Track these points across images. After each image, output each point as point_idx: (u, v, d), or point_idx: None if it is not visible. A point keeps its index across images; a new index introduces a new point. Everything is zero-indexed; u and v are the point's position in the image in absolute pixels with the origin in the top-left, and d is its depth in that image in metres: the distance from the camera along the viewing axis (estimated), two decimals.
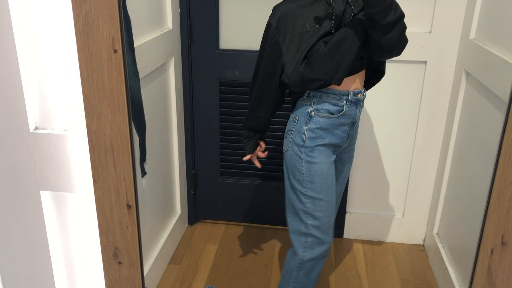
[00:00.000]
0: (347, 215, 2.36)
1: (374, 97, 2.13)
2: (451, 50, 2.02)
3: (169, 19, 2.03)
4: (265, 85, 1.49)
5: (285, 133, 1.55)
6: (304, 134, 1.48)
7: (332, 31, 1.39)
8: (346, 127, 1.51)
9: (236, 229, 2.47)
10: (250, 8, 2.12)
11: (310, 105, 1.48)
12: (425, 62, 2.06)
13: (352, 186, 2.30)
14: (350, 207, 2.35)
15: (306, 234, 1.52)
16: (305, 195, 1.49)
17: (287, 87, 1.50)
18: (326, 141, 1.49)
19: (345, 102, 1.47)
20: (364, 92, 1.54)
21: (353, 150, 1.66)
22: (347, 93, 1.47)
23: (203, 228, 2.48)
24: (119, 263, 0.94)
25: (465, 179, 1.90)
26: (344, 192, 2.30)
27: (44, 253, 1.02)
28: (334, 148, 1.52)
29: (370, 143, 2.22)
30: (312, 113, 1.47)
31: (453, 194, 2.02)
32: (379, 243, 2.37)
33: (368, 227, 2.37)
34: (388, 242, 2.37)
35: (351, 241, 2.38)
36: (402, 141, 2.20)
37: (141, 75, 1.66)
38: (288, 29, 1.40)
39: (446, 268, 1.97)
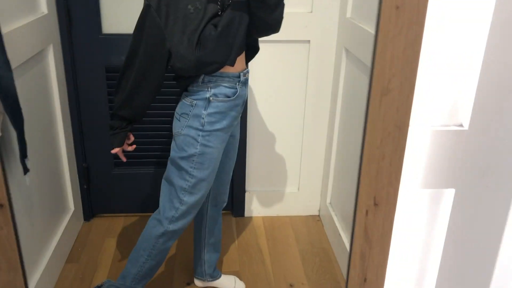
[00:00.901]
0: (246, 194, 2.41)
1: (263, 76, 2.18)
2: (331, 29, 2.12)
3: (43, 2, 1.88)
4: (146, 71, 1.43)
5: (178, 115, 1.52)
6: (203, 119, 1.48)
7: (219, 13, 1.39)
8: (239, 107, 1.56)
9: (135, 221, 2.41)
10: None
11: (208, 90, 1.47)
12: (308, 41, 2.14)
13: (249, 165, 2.35)
14: (249, 185, 2.40)
15: (178, 209, 1.55)
16: (191, 174, 1.51)
17: (177, 72, 1.47)
18: (224, 124, 1.51)
19: (238, 84, 1.51)
20: (248, 71, 1.58)
21: (239, 123, 1.70)
22: (238, 75, 1.50)
23: (100, 223, 2.38)
24: None
25: (350, 150, 2.03)
26: (242, 172, 2.34)
27: None
28: (228, 129, 1.55)
29: (263, 123, 2.28)
30: (210, 98, 1.47)
31: (341, 165, 2.15)
32: (278, 217, 2.45)
33: (267, 203, 2.44)
34: (286, 216, 2.46)
35: (252, 219, 2.44)
36: (292, 119, 2.28)
37: (14, 64, 1.53)
38: (170, 11, 1.37)
39: (340, 234, 2.11)
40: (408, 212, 0.98)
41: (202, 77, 1.47)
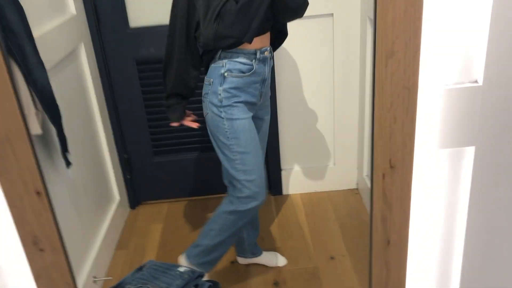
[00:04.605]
0: (282, 172, 2.44)
1: (289, 53, 2.18)
2: (354, 0, 2.09)
3: (71, 4, 1.97)
4: (186, 45, 1.52)
5: (202, 97, 1.59)
6: (220, 94, 1.53)
7: None
8: (257, 85, 1.58)
9: (179, 206, 2.50)
10: None
11: (223, 66, 1.52)
12: (332, 15, 2.12)
13: (282, 143, 2.37)
14: (284, 164, 2.43)
15: (241, 191, 1.59)
16: (232, 151, 1.56)
17: (200, 47, 1.54)
18: (242, 98, 1.55)
19: (254, 60, 1.54)
20: (271, 49, 1.60)
21: (267, 107, 1.72)
22: (255, 52, 1.53)
23: (146, 210, 2.49)
24: (41, 250, 0.95)
25: None
26: (276, 150, 2.37)
27: None
28: (250, 106, 1.59)
29: (292, 100, 2.29)
30: (225, 74, 1.52)
31: None
32: (316, 193, 2.47)
33: (303, 180, 2.46)
34: (324, 192, 2.47)
35: (290, 197, 2.47)
36: (322, 93, 2.28)
37: (48, 65, 1.62)
38: None
39: None
40: (429, 173, 0.98)
41: (219, 52, 1.52)
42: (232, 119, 1.54)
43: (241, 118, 1.55)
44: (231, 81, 1.53)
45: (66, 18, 1.89)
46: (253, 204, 1.61)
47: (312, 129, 2.36)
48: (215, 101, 1.54)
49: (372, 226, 0.94)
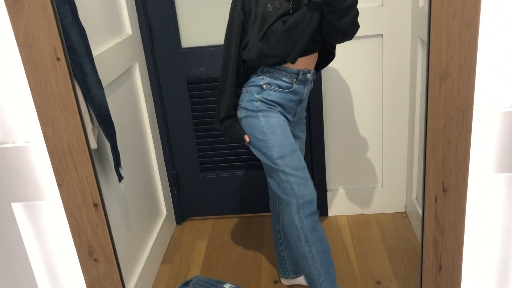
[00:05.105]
0: (328, 193, 2.42)
1: (338, 72, 2.19)
2: (404, 20, 2.08)
3: (128, 25, 2.06)
4: (238, 69, 1.56)
5: (238, 105, 1.61)
6: (256, 102, 1.56)
7: (291, 12, 1.47)
8: (293, 103, 1.60)
9: (224, 222, 2.52)
10: (206, 3, 2.16)
11: (263, 78, 1.56)
12: (381, 35, 2.11)
13: (329, 164, 2.36)
14: (330, 185, 2.41)
15: (289, 182, 1.53)
16: (270, 146, 1.54)
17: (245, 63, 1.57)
18: (277, 109, 1.57)
19: (294, 80, 1.56)
20: (314, 73, 1.62)
21: (302, 125, 1.74)
22: (297, 72, 1.55)
23: (192, 225, 2.53)
24: (95, 260, 0.99)
25: None
26: (322, 170, 2.36)
27: (24, 262, 1.07)
28: (284, 117, 1.60)
29: (340, 120, 2.28)
30: (264, 86, 1.56)
31: None
32: (362, 216, 2.43)
33: (350, 202, 2.43)
34: (371, 214, 2.43)
35: (335, 218, 2.44)
36: (370, 114, 2.26)
37: (105, 83, 1.70)
38: (251, 9, 1.49)
39: None
40: (483, 198, 0.95)
41: (261, 67, 1.56)
42: (267, 117, 1.55)
43: (277, 116, 1.56)
44: (268, 94, 1.56)
45: (123, 38, 1.99)
46: (307, 191, 1.53)
47: (359, 149, 2.33)
48: (251, 107, 1.56)
49: (423, 251, 0.92)
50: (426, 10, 1.88)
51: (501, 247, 1.01)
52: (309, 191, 1.56)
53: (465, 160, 0.86)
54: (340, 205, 2.44)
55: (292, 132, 1.67)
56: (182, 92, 2.30)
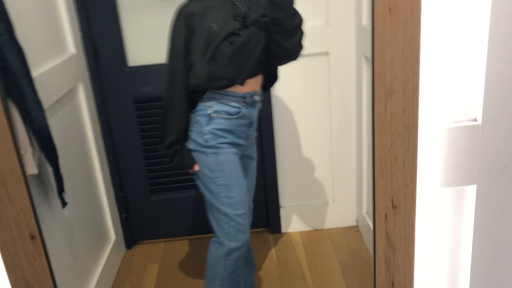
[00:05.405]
0: (281, 210, 2.41)
1: (286, 91, 2.20)
2: (349, 38, 2.13)
3: (71, 43, 1.99)
4: (186, 89, 1.50)
5: (188, 134, 1.57)
6: (205, 135, 1.52)
7: (237, 32, 1.44)
8: (244, 127, 1.58)
9: (176, 245, 2.45)
10: (152, 22, 2.13)
11: (210, 106, 1.52)
12: (327, 53, 2.15)
13: (281, 180, 2.36)
14: (283, 201, 2.40)
15: (228, 224, 1.56)
16: (217, 184, 1.53)
17: (190, 87, 1.51)
18: (228, 140, 1.54)
19: (242, 104, 1.53)
20: (261, 93, 1.61)
21: (254, 145, 1.71)
22: (244, 96, 1.53)
23: (142, 249, 2.44)
24: None
25: None
26: (275, 187, 2.35)
27: None
28: (236, 146, 1.57)
29: (290, 137, 2.29)
30: (212, 115, 1.52)
31: None
32: (315, 231, 2.44)
33: (303, 218, 2.43)
34: (324, 229, 2.44)
35: (289, 234, 2.43)
36: (319, 130, 2.28)
37: (47, 104, 1.62)
38: (195, 27, 1.44)
39: None
40: (432, 212, 0.96)
41: (207, 93, 1.51)
42: (217, 153, 1.52)
43: (227, 152, 1.53)
44: (218, 122, 1.52)
45: (65, 57, 1.91)
46: (242, 237, 1.58)
47: (310, 166, 2.35)
48: (200, 140, 1.53)
49: (376, 268, 0.92)
50: (369, 28, 1.93)
51: (449, 261, 1.02)
52: (244, 238, 1.59)
53: (412, 176, 0.87)
54: (293, 221, 2.44)
55: (244, 154, 1.66)
56: (130, 112, 2.24)
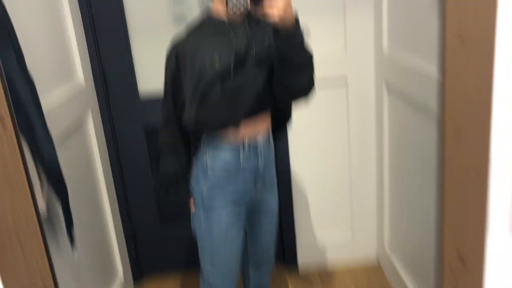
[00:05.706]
0: (298, 245, 2.29)
1: (303, 123, 2.09)
2: (368, 64, 2.05)
3: (80, 74, 1.90)
4: (180, 127, 1.40)
5: (191, 177, 1.47)
6: (203, 194, 1.41)
7: (232, 66, 1.27)
8: (248, 184, 1.42)
9: (184, 278, 2.33)
10: (163, 48, 2.04)
11: (205, 160, 1.39)
12: (345, 80, 2.07)
13: (298, 217, 2.24)
14: (300, 239, 2.28)
15: (203, 279, 1.50)
16: (203, 244, 1.47)
17: (183, 126, 1.39)
18: (228, 198, 1.40)
19: (241, 155, 1.37)
20: (268, 137, 1.44)
21: (271, 186, 1.51)
22: (243, 144, 1.36)
23: (150, 283, 2.32)
24: None
25: (405, 190, 1.90)
26: (291, 222, 2.23)
27: None
28: (237, 201, 1.42)
29: (307, 170, 2.19)
30: (208, 172, 1.39)
31: (397, 207, 2.02)
32: (334, 266, 2.31)
33: (321, 255, 2.31)
34: (344, 266, 2.31)
35: (307, 273, 2.30)
36: (338, 162, 2.18)
37: (55, 136, 1.53)
38: (186, 59, 1.30)
39: (403, 280, 1.95)
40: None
41: (204, 140, 1.38)
42: (209, 216, 1.41)
43: (221, 213, 1.40)
44: (215, 182, 1.38)
45: (75, 87, 1.82)
46: None
47: (328, 200, 2.24)
48: (198, 198, 1.42)
49: None
50: (392, 54, 1.85)
51: None
52: None
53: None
54: (311, 259, 2.31)
55: (259, 198, 1.47)
56: (140, 142, 2.15)
